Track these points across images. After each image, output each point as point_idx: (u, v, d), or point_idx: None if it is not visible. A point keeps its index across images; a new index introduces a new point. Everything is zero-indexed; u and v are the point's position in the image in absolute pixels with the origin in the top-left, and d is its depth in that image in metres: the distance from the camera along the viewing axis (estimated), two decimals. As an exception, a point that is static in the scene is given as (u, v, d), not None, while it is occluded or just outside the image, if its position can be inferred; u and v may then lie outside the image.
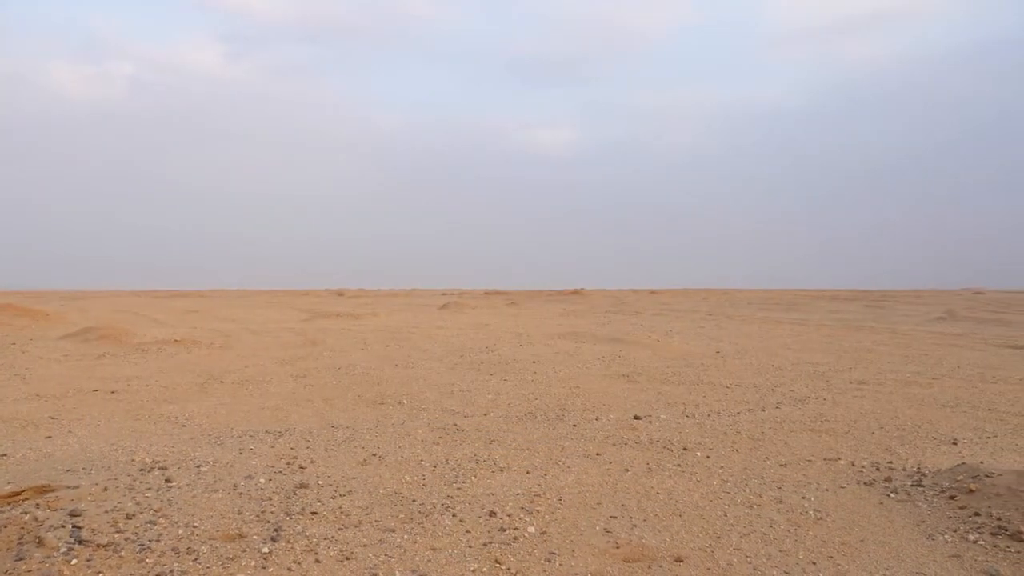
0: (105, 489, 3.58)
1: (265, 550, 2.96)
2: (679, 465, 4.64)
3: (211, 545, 2.96)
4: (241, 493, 3.67)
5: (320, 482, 3.99)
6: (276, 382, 8.24)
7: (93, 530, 2.97)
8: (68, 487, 3.57)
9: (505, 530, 3.34)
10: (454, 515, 3.53)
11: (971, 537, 3.32)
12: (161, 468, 4.12)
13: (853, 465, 4.69)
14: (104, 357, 10.53)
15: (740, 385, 8.11)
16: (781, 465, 4.68)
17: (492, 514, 3.55)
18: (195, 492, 3.64)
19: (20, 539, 2.86)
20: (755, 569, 3.00)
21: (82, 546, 2.82)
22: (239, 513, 3.36)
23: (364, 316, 21.28)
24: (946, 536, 3.37)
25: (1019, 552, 3.13)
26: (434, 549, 3.10)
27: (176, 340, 12.30)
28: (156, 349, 11.43)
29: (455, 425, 5.81)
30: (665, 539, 3.31)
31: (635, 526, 3.47)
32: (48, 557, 2.72)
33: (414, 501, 3.73)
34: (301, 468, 4.31)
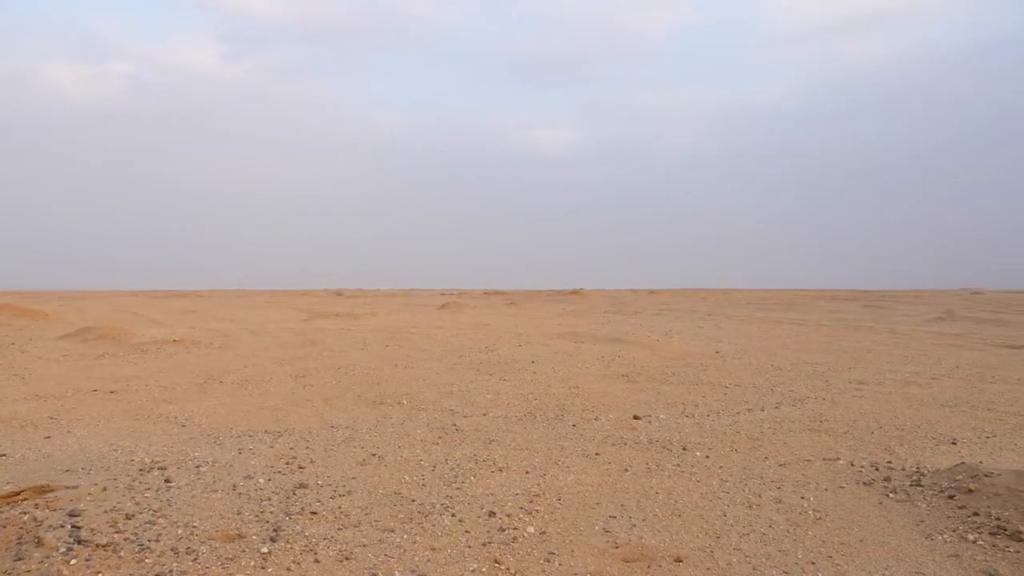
0: (104, 489, 3.58)
1: (264, 550, 2.96)
2: (678, 465, 4.64)
3: (210, 545, 2.96)
4: (240, 493, 3.67)
5: (319, 482, 3.99)
6: (275, 382, 8.24)
7: (92, 530, 2.97)
8: (67, 487, 3.57)
9: (504, 530, 3.34)
10: (453, 515, 3.53)
11: (970, 537, 3.32)
12: (160, 468, 4.12)
13: (852, 465, 4.69)
14: (103, 357, 10.53)
15: (739, 385, 8.12)
16: (780, 465, 4.69)
17: (491, 514, 3.55)
18: (194, 492, 3.64)
19: (19, 539, 2.86)
20: (754, 569, 3.00)
21: (81, 546, 2.82)
22: (238, 513, 3.35)
23: (363, 316, 21.29)
24: (945, 536, 3.37)
25: (1018, 552, 3.13)
26: (433, 549, 3.10)
27: (175, 340, 12.30)
28: (155, 349, 11.43)
29: (454, 425, 5.81)
30: (664, 539, 3.31)
31: (634, 526, 3.47)
32: (47, 557, 2.72)
33: (413, 501, 3.73)
34: (300, 468, 4.31)
